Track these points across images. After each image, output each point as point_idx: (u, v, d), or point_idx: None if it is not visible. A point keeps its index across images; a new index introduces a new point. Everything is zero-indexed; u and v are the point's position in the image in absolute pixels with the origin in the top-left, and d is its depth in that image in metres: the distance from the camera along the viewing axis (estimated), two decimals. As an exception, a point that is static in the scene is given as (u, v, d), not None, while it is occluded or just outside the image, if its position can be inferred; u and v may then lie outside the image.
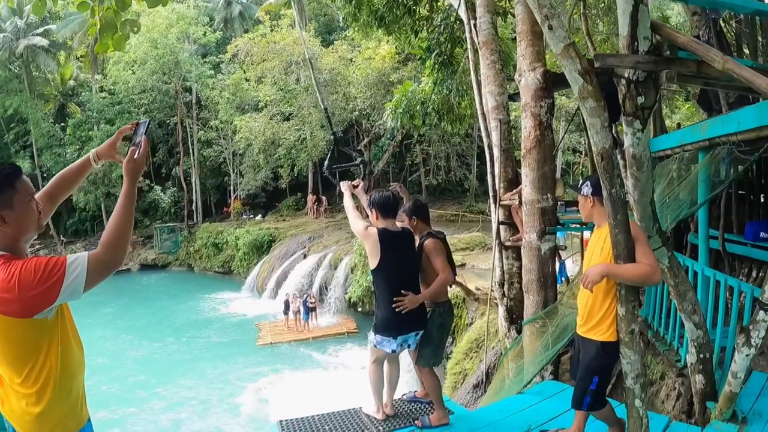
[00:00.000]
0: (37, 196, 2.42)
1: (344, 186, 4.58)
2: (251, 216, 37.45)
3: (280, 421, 4.46)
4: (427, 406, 4.66)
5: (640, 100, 3.20)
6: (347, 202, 4.48)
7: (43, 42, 37.89)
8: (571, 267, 10.16)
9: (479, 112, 7.71)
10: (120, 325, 23.87)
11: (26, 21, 37.91)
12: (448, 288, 4.56)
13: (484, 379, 7.61)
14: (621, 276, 3.14)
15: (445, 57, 10.17)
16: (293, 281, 23.46)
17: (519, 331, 6.69)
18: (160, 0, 4.73)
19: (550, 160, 6.19)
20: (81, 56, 42.35)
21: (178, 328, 22.77)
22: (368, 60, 26.91)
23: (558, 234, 11.79)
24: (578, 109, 8.52)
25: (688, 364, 4.13)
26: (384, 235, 4.03)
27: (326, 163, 5.43)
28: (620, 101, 3.27)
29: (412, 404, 4.73)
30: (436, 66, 10.32)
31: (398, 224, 4.27)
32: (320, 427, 4.35)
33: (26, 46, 37.79)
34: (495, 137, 7.33)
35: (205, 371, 17.35)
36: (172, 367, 17.98)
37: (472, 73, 7.85)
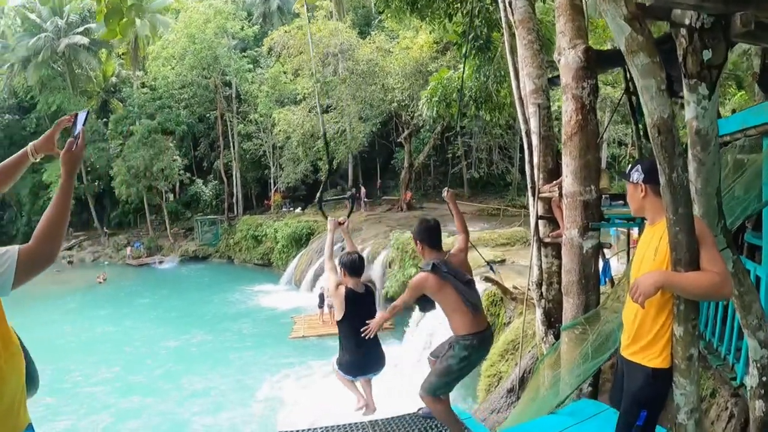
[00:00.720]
0: None
1: (330, 224, 4.94)
2: (291, 209, 37.50)
3: None
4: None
5: (706, 55, 2.51)
6: (327, 245, 4.92)
7: (84, 40, 39.22)
8: (617, 266, 9.45)
9: (516, 97, 7.13)
10: (154, 315, 24.12)
11: (66, 21, 38.95)
12: (466, 317, 4.07)
13: (518, 385, 7.06)
14: (681, 287, 2.51)
15: (482, 41, 9.58)
16: (330, 274, 23.11)
17: (557, 337, 6.11)
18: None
19: (594, 148, 5.58)
20: (122, 54, 43.41)
21: (212, 319, 22.84)
22: (406, 50, 26.28)
23: (609, 231, 11.08)
24: (623, 96, 7.88)
25: (748, 387, 3.47)
26: (349, 295, 4.59)
27: (318, 195, 5.71)
28: (680, 59, 2.56)
29: (427, 420, 4.59)
30: (473, 51, 9.73)
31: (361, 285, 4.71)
32: None
33: (67, 44, 39.13)
34: (533, 124, 6.75)
35: (231, 363, 17.29)
36: (200, 359, 17.98)
37: (507, 54, 7.26)
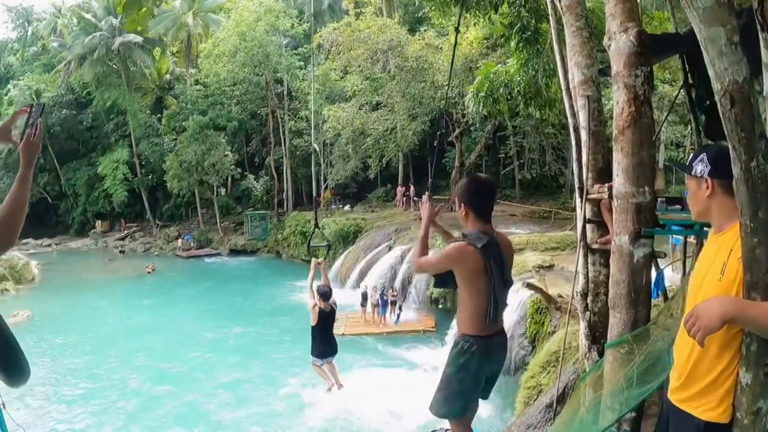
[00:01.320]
0: None
1: (312, 264, 9.18)
2: (340, 206, 37.59)
3: None
4: None
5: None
6: (309, 279, 9.38)
7: (137, 39, 40.47)
8: (671, 275, 8.73)
9: (563, 89, 6.55)
10: (197, 307, 24.35)
11: (120, 20, 39.97)
12: (487, 318, 3.39)
13: (557, 400, 6.49)
14: (756, 322, 1.84)
15: (530, 33, 8.95)
16: (376, 273, 22.90)
17: (601, 354, 5.52)
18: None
19: (649, 144, 4.97)
20: (176, 52, 44.56)
21: (253, 312, 22.89)
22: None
23: (672, 240, 10.25)
24: (681, 89, 7.22)
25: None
26: (321, 313, 9.44)
27: (308, 241, 5.49)
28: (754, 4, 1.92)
29: None
30: (520, 44, 9.14)
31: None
32: None
33: (121, 43, 40.55)
34: (582, 118, 6.14)
35: (265, 356, 17.13)
36: (236, 351, 17.96)
37: (554, 43, 6.68)
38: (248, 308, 23.74)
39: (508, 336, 11.39)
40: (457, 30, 5.19)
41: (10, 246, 2.22)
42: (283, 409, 13.34)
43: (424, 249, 3.62)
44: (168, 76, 45.73)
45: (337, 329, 18.77)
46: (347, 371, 15.15)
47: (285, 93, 38.51)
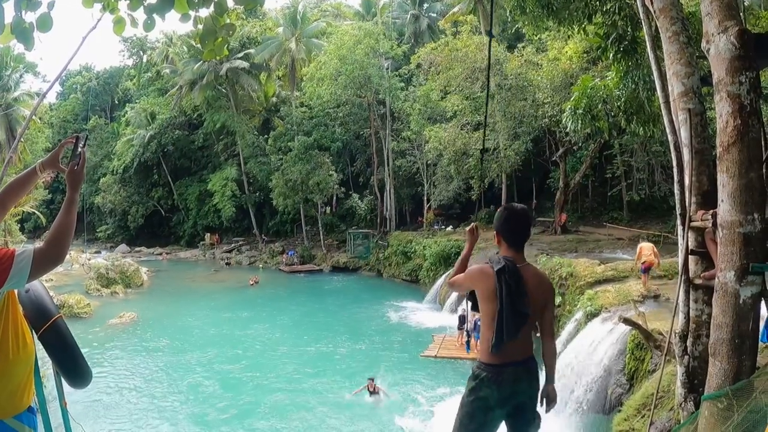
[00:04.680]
0: None
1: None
2: (443, 227, 37.06)
3: None
4: None
5: None
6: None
7: (244, 64, 42.98)
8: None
9: (662, 101, 5.87)
10: (293, 321, 24.95)
11: (228, 47, 41.94)
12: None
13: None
14: None
15: (626, 43, 8.19)
16: (474, 297, 22.28)
17: (697, 405, 4.79)
18: (254, 1, 4.16)
19: (759, 164, 4.28)
20: (281, 76, 46.29)
21: (348, 330, 22.98)
22: (554, 61, 24.81)
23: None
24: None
25: None
26: None
27: None
28: None
29: None
30: (618, 55, 8.37)
31: None
32: None
33: (229, 68, 42.98)
34: (684, 134, 5.46)
35: (350, 374, 16.99)
36: (322, 366, 18.01)
37: (649, 51, 6.01)
38: (344, 325, 23.88)
39: (604, 370, 10.53)
40: (490, 35, 4.78)
41: (58, 263, 2.40)
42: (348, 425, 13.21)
43: (462, 268, 3.74)
44: (274, 99, 47.85)
45: (431, 351, 18.52)
46: (434, 391, 14.99)
47: (387, 114, 38.89)
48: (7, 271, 2.25)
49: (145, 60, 61.17)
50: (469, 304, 3.88)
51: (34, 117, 40.42)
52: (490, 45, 5.11)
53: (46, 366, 3.71)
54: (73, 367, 3.37)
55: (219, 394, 15.55)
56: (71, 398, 3.66)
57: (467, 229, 3.96)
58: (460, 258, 3.84)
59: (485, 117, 5.47)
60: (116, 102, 66.41)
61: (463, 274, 3.62)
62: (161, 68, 53.56)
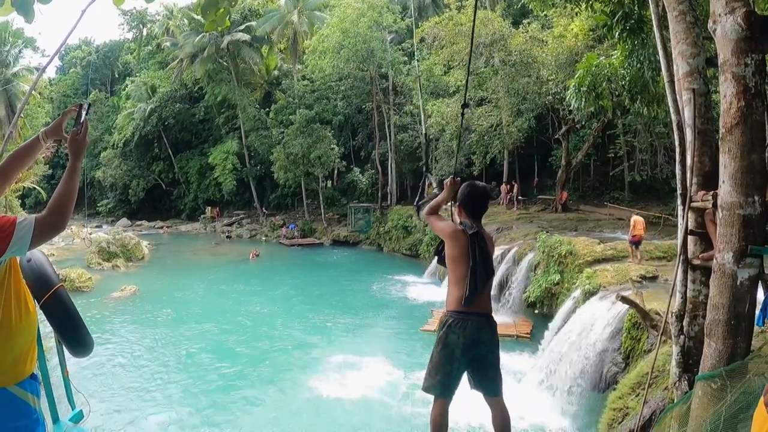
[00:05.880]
0: None
1: None
2: (444, 202, 37.02)
3: None
4: None
5: None
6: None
7: (246, 37, 42.64)
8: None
9: (666, 81, 5.83)
10: (292, 293, 24.99)
11: (229, 18, 41.57)
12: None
13: (640, 428, 5.80)
14: None
15: (633, 21, 8.11)
16: (474, 272, 22.38)
17: (691, 385, 4.83)
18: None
19: (761, 146, 4.26)
20: (283, 49, 45.94)
21: (347, 302, 23.10)
22: (559, 38, 24.41)
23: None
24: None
25: None
26: None
27: (417, 199, 5.04)
28: None
29: None
30: (624, 34, 8.29)
31: None
32: None
33: (230, 41, 42.68)
34: (687, 114, 5.44)
35: (346, 344, 17.16)
36: (318, 336, 18.14)
37: (655, 30, 5.95)
38: (344, 297, 24.00)
39: (601, 349, 10.60)
40: (476, 7, 4.85)
41: (59, 230, 2.46)
42: (361, 401, 13.21)
43: (435, 211, 4.14)
44: (276, 72, 47.50)
45: (431, 325, 18.61)
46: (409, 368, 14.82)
47: (390, 88, 38.70)
48: (8, 238, 2.29)
49: (145, 33, 60.78)
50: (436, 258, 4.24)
51: (33, 92, 40.34)
52: (475, 16, 5.05)
53: (49, 338, 3.78)
54: (75, 335, 3.47)
55: (215, 365, 15.73)
56: (73, 368, 3.71)
57: (447, 180, 4.13)
58: (434, 201, 4.16)
59: (467, 71, 5.45)
60: (116, 76, 66.22)
61: (442, 223, 4.02)
62: (162, 41, 53.00)
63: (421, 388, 3.95)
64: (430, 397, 3.90)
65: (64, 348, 3.64)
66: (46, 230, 2.37)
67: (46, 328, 3.52)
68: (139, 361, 16.26)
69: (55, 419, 3.83)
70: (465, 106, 5.10)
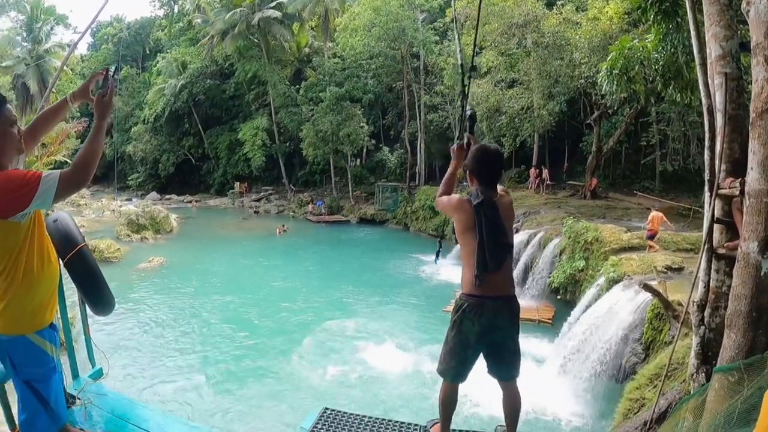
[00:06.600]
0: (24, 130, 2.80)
1: None
2: (471, 184, 36.82)
3: (325, 408, 4.24)
4: None
5: None
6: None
7: (276, 14, 42.75)
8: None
9: (698, 64, 5.62)
10: (316, 269, 25.27)
11: None
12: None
13: (655, 420, 5.68)
14: None
15: (667, 4, 7.81)
16: (499, 254, 22.30)
17: (709, 377, 4.71)
18: None
19: (794, 132, 4.09)
20: (314, 26, 46.35)
21: (370, 279, 23.19)
22: (593, 21, 23.79)
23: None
24: None
25: None
26: None
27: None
28: None
29: None
30: (658, 16, 8.00)
31: None
32: (359, 431, 3.95)
33: (260, 18, 42.82)
34: (718, 99, 5.23)
35: (365, 322, 17.15)
36: (338, 313, 18.17)
37: (688, 11, 5.72)
38: (367, 274, 24.07)
39: (621, 338, 10.44)
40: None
41: (82, 186, 2.58)
42: (356, 370, 13.38)
43: (447, 188, 3.83)
44: (306, 50, 47.82)
45: (452, 306, 18.60)
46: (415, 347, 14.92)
47: (421, 67, 38.37)
48: (33, 191, 2.43)
49: (176, 10, 61.32)
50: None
51: (65, 68, 40.93)
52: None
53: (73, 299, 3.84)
54: (97, 294, 3.68)
55: (234, 335, 16.04)
56: (95, 330, 4.01)
57: (456, 146, 3.93)
58: (446, 175, 3.92)
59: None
60: (147, 52, 66.93)
61: (446, 198, 3.71)
62: (192, 18, 53.48)
63: (438, 371, 3.75)
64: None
65: (87, 307, 3.82)
66: (69, 185, 2.50)
67: (69, 290, 3.58)
68: (160, 328, 16.67)
69: (75, 375, 3.95)
70: (473, 69, 4.83)
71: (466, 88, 4.53)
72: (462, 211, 3.52)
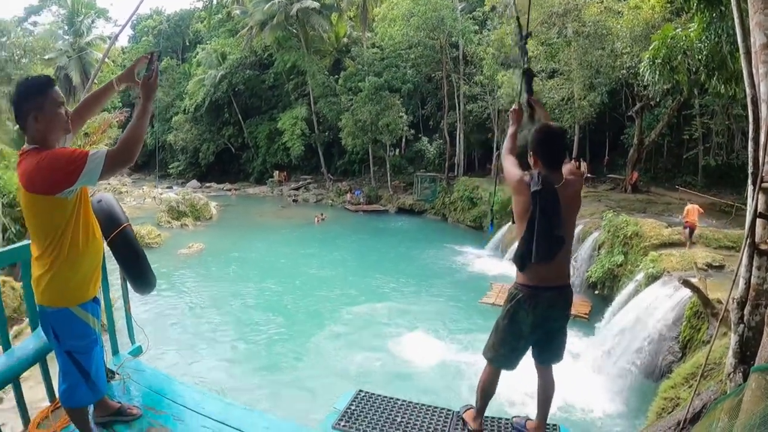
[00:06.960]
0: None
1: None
2: (512, 175, 36.39)
3: (360, 390, 4.22)
4: None
5: None
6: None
7: (315, 5, 42.84)
8: None
9: (742, 53, 5.43)
10: (352, 258, 25.51)
11: None
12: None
13: (689, 420, 5.55)
14: None
15: (711, -9, 7.55)
16: (535, 246, 22.01)
17: (746, 377, 4.57)
18: None
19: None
20: (353, 16, 46.16)
21: (406, 269, 23.18)
22: (635, 9, 23.14)
23: None
24: None
25: None
26: None
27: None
28: None
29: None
30: (701, 4, 7.71)
31: None
32: (392, 413, 3.93)
33: (299, 9, 42.89)
34: (763, 89, 5.07)
35: (399, 311, 17.15)
36: (374, 301, 18.18)
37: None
38: (403, 264, 24.08)
39: (659, 337, 10.24)
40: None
41: (128, 164, 2.66)
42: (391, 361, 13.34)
43: (511, 144, 3.74)
44: (345, 40, 47.71)
45: (490, 298, 18.44)
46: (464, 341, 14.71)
47: (460, 57, 37.95)
48: (81, 168, 2.51)
49: (215, 2, 61.84)
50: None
51: (106, 60, 41.81)
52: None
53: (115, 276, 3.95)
54: (138, 272, 3.81)
55: (268, 320, 16.34)
56: (136, 309, 4.16)
57: (512, 109, 3.94)
58: (508, 134, 3.84)
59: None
60: (187, 44, 67.57)
61: (512, 168, 3.51)
62: (231, 9, 54.05)
63: (481, 352, 3.69)
64: (480, 368, 3.74)
65: (128, 285, 3.95)
66: (115, 163, 2.59)
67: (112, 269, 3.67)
68: (197, 311, 17.17)
69: (115, 351, 4.08)
70: (528, 35, 4.73)
71: (525, 55, 4.48)
72: (519, 194, 3.38)
